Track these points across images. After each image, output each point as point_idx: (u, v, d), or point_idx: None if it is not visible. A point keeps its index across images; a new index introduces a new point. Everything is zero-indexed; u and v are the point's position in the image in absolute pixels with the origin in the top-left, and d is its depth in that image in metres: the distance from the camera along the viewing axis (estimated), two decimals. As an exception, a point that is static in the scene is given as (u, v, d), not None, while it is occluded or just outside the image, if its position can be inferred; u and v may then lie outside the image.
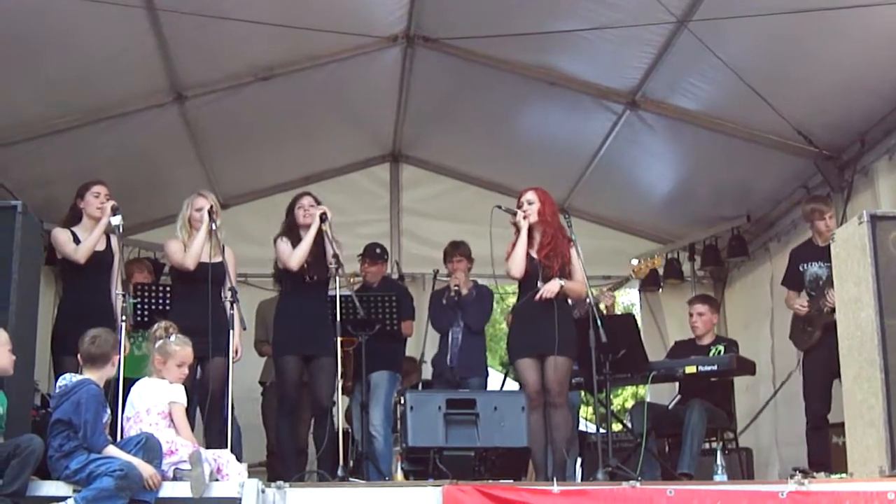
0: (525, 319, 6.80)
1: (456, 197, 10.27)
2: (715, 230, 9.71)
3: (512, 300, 8.90)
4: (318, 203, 7.18)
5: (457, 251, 8.13)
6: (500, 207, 6.93)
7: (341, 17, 7.44)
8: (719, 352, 7.60)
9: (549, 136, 9.17)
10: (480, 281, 8.26)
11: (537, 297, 6.62)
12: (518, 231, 6.80)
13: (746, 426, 8.72)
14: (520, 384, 6.92)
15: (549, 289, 6.62)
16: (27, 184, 7.86)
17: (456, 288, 7.94)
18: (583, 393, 7.95)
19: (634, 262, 8.17)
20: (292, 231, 7.15)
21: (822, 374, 7.02)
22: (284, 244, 7.12)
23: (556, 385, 6.59)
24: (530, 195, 6.90)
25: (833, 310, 6.76)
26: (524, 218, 6.79)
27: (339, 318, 6.83)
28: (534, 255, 6.77)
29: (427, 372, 8.42)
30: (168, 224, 8.11)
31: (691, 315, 7.91)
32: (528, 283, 6.79)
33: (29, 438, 5.15)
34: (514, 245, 6.82)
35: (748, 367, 7.58)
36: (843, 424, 6.17)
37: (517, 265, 6.76)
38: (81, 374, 5.48)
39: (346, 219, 7.52)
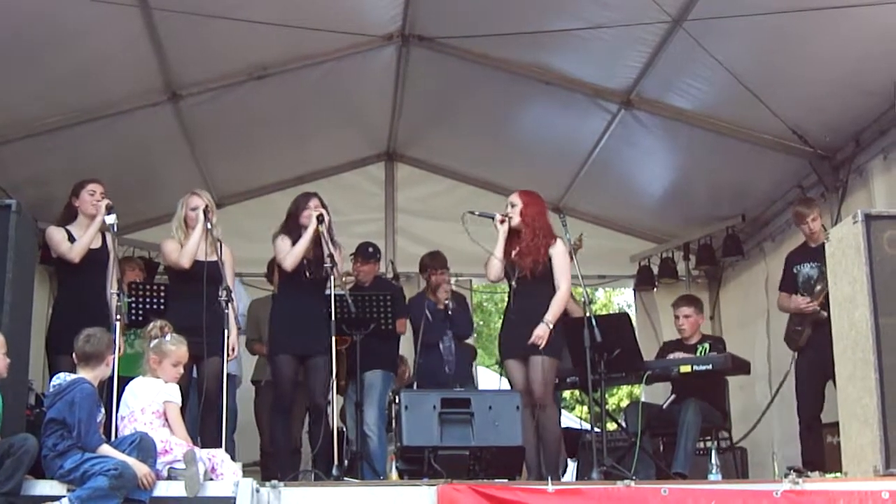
0: (511, 321, 6.83)
1: (451, 196, 10.25)
2: (710, 229, 9.71)
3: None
4: (325, 206, 7.14)
5: (440, 263, 8.15)
6: (472, 213, 6.95)
7: (336, 15, 7.44)
8: (705, 350, 7.60)
9: (544, 136, 9.18)
10: (476, 281, 8.24)
11: (530, 341, 6.59)
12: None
13: (747, 433, 8.60)
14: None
15: (538, 334, 6.58)
16: (22, 182, 7.83)
17: (446, 303, 7.96)
18: (578, 392, 7.93)
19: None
20: (293, 230, 7.09)
21: (814, 374, 7.05)
22: (283, 242, 7.07)
23: (539, 386, 6.60)
24: (514, 198, 6.96)
25: (822, 306, 6.78)
26: (501, 222, 6.82)
27: (333, 317, 6.82)
28: (513, 256, 6.80)
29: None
30: (162, 223, 8.11)
31: (677, 318, 7.84)
32: (509, 285, 6.87)
33: (23, 438, 5.14)
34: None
35: (743, 367, 7.57)
36: (837, 424, 6.17)
37: (491, 270, 6.88)
38: (76, 373, 5.47)
39: (340, 218, 7.50)
